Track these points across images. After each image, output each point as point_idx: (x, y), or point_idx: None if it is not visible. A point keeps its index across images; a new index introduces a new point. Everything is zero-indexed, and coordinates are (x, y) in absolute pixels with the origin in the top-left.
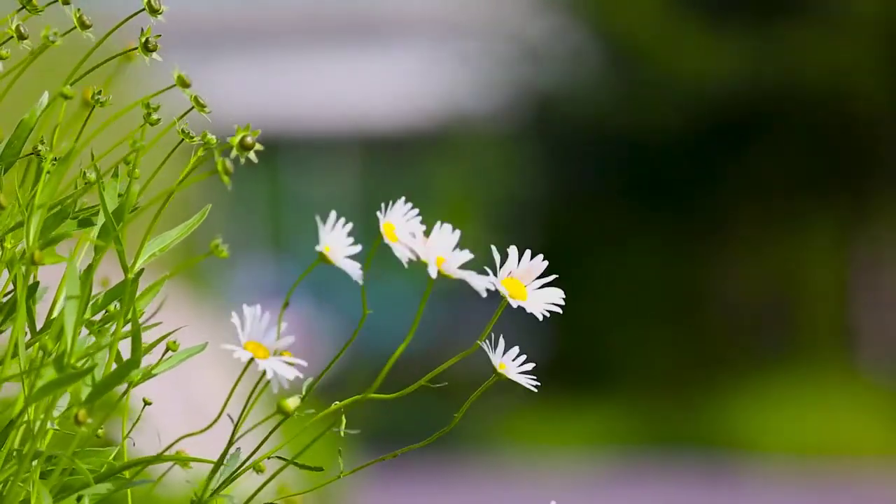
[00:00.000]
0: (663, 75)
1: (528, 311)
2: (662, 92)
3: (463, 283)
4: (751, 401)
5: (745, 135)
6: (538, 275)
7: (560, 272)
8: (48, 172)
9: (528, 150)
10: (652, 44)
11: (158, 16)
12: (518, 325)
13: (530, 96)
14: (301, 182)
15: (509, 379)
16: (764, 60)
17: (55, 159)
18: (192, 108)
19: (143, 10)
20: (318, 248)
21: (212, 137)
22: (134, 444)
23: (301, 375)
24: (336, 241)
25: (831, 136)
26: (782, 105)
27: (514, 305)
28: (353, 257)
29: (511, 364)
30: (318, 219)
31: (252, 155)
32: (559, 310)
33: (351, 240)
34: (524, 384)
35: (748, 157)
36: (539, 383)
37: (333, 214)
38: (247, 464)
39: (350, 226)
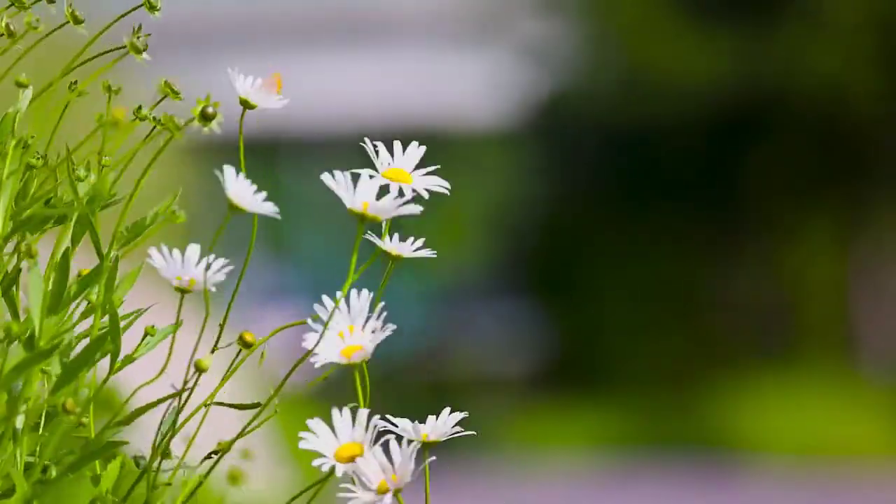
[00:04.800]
0: (663, 77)
1: (414, 189)
2: (663, 93)
3: (462, 284)
4: (751, 401)
5: (745, 136)
6: (418, 163)
7: (560, 272)
8: (11, 157)
9: (528, 151)
10: (652, 45)
11: (157, 13)
12: (518, 326)
13: (531, 97)
14: (301, 182)
15: (404, 258)
16: (763, 61)
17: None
18: (165, 95)
19: (142, 5)
20: (228, 196)
21: (172, 115)
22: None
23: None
24: (243, 191)
25: (830, 136)
26: (781, 106)
27: (402, 190)
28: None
29: (403, 247)
30: (216, 172)
31: (215, 126)
32: (446, 191)
33: (256, 186)
34: (425, 255)
35: (748, 157)
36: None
37: (229, 167)
38: (200, 410)
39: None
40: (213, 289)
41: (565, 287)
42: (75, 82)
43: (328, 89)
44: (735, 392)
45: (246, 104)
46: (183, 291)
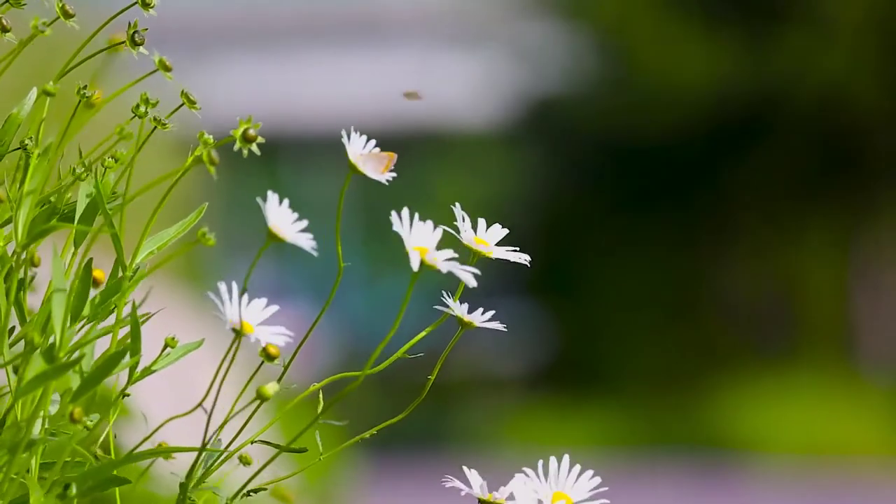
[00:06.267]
0: (662, 78)
1: (495, 256)
2: (661, 94)
3: (460, 282)
4: (751, 401)
5: (745, 136)
6: (499, 241)
7: (560, 273)
8: (34, 167)
9: (526, 152)
10: (651, 47)
11: (150, 10)
12: (518, 326)
13: (529, 98)
14: (301, 182)
15: (477, 327)
16: (762, 63)
17: (40, 154)
18: (183, 104)
19: (136, 3)
20: (269, 226)
21: (209, 137)
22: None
23: (291, 341)
24: (283, 219)
25: (831, 137)
26: (782, 107)
27: (481, 249)
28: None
29: (476, 317)
30: (259, 200)
31: (255, 147)
32: (527, 263)
33: (296, 215)
34: (495, 328)
35: (748, 158)
36: (506, 328)
37: (272, 194)
38: (230, 450)
39: (287, 202)
40: (274, 342)
41: (565, 287)
42: (84, 86)
43: (327, 90)
44: (735, 392)
45: (353, 169)
46: (238, 333)
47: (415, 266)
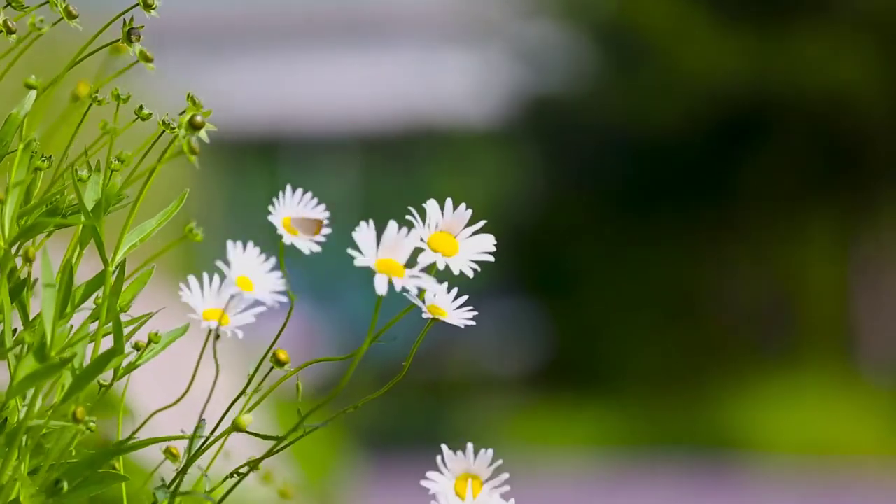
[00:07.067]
0: (665, 76)
1: (455, 268)
2: (664, 92)
3: (460, 284)
4: (751, 401)
5: (748, 135)
6: (466, 223)
7: (560, 272)
8: (19, 160)
9: (526, 151)
10: (653, 44)
11: (152, 11)
12: (517, 326)
13: (529, 97)
14: (301, 182)
15: (448, 322)
16: (768, 61)
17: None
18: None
19: (137, 4)
20: (232, 277)
21: (176, 126)
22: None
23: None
24: (253, 267)
25: (834, 136)
26: (785, 106)
27: (443, 265)
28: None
29: (447, 305)
30: (228, 244)
31: (203, 135)
32: (491, 258)
33: (263, 256)
34: (461, 322)
35: (749, 157)
36: (475, 319)
37: (231, 243)
38: (215, 437)
39: (251, 245)
40: (240, 334)
41: (564, 287)
42: (96, 92)
43: (326, 89)
44: (735, 392)
45: (286, 226)
46: (214, 333)
47: (380, 290)
